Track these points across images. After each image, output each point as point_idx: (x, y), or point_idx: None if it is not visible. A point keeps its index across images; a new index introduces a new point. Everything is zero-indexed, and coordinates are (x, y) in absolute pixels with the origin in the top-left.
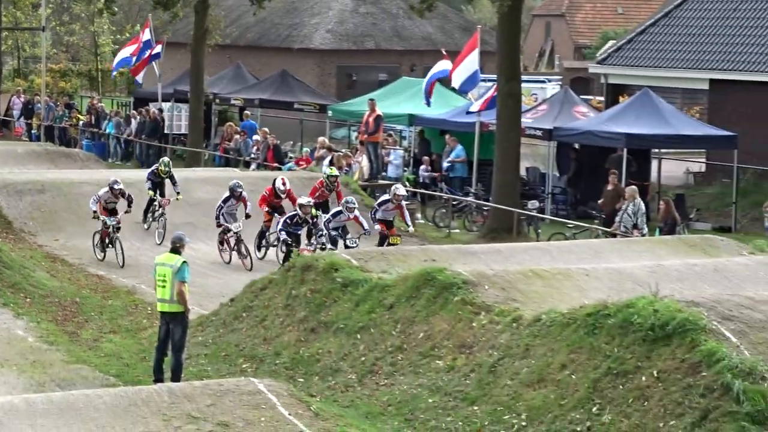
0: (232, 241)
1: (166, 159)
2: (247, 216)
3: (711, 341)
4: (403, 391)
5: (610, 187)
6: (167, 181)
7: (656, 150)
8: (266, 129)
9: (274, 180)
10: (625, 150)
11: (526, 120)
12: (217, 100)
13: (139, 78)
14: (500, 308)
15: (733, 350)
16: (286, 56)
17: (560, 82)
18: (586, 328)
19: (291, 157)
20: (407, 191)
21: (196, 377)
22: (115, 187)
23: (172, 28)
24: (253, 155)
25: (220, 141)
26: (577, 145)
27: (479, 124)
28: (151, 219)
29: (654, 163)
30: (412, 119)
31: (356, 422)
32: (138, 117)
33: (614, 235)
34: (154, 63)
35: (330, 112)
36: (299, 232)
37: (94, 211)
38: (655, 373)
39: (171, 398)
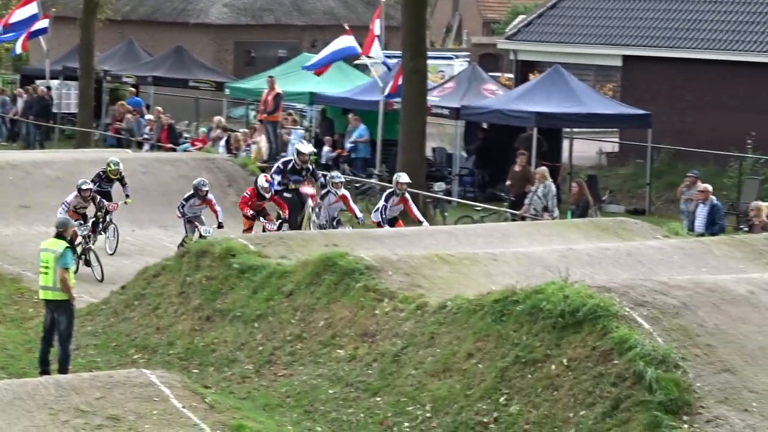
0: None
1: (114, 158)
2: (220, 225)
3: (623, 328)
4: (303, 382)
5: (518, 169)
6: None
7: (568, 129)
8: (160, 108)
9: (256, 179)
10: (535, 129)
11: (432, 98)
12: (109, 78)
13: (18, 48)
14: (404, 295)
15: (645, 337)
16: (180, 32)
17: (468, 59)
18: (494, 315)
19: (186, 138)
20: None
21: (84, 369)
22: (84, 187)
23: (60, 1)
24: (146, 135)
25: (112, 120)
26: (485, 125)
27: (383, 103)
28: (100, 231)
29: (565, 143)
30: (312, 97)
31: (253, 415)
32: (25, 95)
33: (523, 218)
34: (41, 38)
35: (227, 90)
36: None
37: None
38: (564, 361)
39: (58, 391)
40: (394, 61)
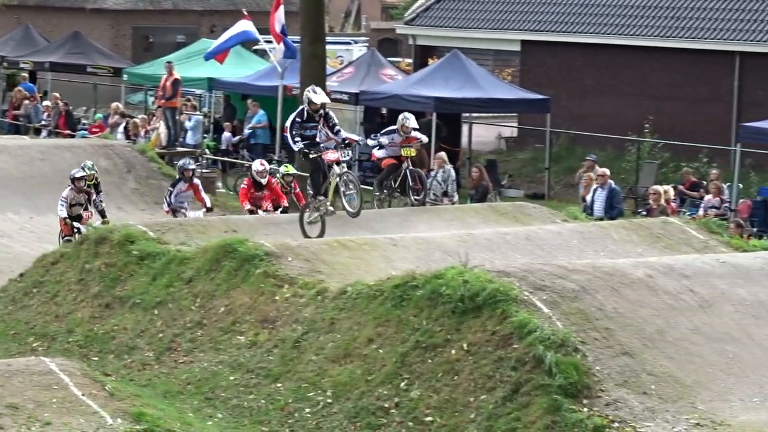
0: None
1: (89, 162)
2: (209, 210)
3: (522, 312)
4: (203, 369)
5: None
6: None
7: (467, 114)
8: (57, 94)
9: (249, 167)
10: (434, 115)
11: (332, 83)
12: (5, 64)
13: None
14: (304, 281)
15: (545, 321)
16: (78, 17)
17: (367, 44)
18: (394, 300)
19: (84, 124)
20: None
21: None
22: (78, 176)
23: None
24: (44, 121)
25: (9, 107)
26: (384, 110)
27: (282, 88)
28: None
29: (465, 128)
30: (211, 83)
31: (154, 402)
32: None
33: (423, 203)
34: None
35: (125, 76)
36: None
37: (65, 219)
38: (464, 346)
39: None
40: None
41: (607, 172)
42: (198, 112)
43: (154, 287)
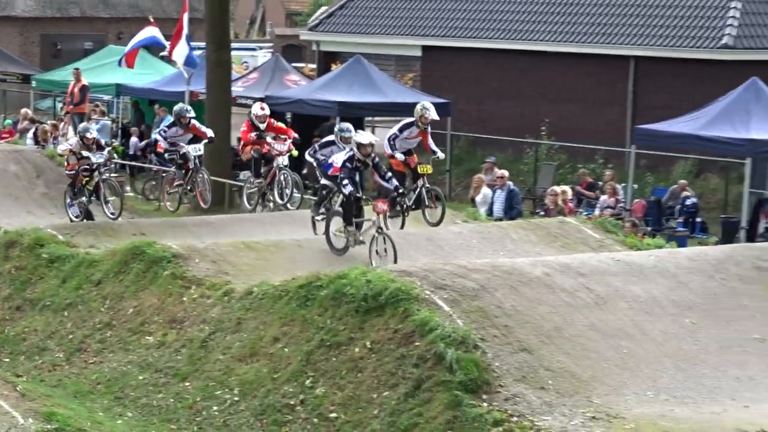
0: (188, 177)
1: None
2: (210, 140)
3: (424, 311)
4: (113, 369)
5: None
6: None
7: (369, 118)
8: None
9: (250, 110)
10: (337, 118)
11: (237, 88)
12: None
13: None
14: (211, 282)
15: (445, 319)
16: None
17: (272, 50)
18: (299, 300)
19: None
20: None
21: None
22: (88, 135)
23: None
24: None
25: None
26: (289, 114)
27: (189, 93)
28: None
29: (368, 131)
30: (119, 89)
31: (64, 402)
32: None
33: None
34: None
35: (34, 83)
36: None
37: (60, 154)
38: (368, 344)
39: None
40: (199, 52)
41: (506, 173)
42: (106, 118)
43: (64, 289)
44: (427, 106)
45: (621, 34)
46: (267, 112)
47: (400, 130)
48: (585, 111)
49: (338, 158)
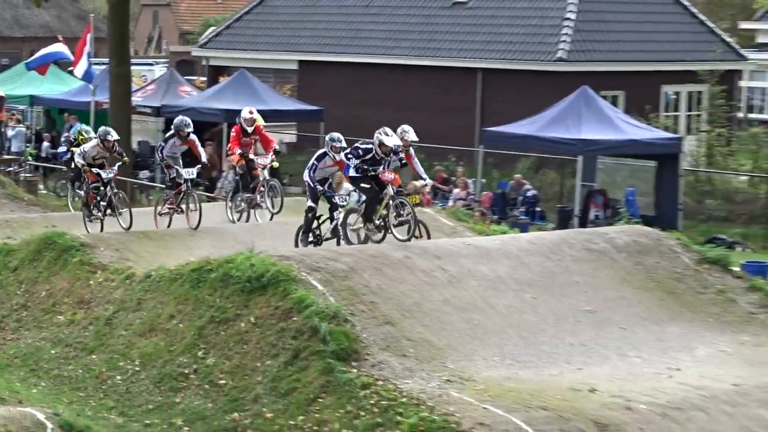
0: (180, 199)
1: (86, 126)
2: (203, 166)
3: (301, 290)
4: (28, 344)
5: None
6: None
7: None
8: None
9: (239, 115)
10: (225, 124)
11: (137, 99)
12: None
13: None
14: (115, 267)
15: (319, 297)
16: None
17: (167, 65)
18: (191, 282)
19: None
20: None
21: None
22: (109, 138)
23: None
24: None
25: None
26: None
27: (94, 103)
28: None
29: None
30: (32, 99)
31: None
32: None
33: (215, 200)
34: None
35: None
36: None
37: (84, 166)
38: (252, 319)
39: None
40: (103, 67)
41: None
42: (21, 125)
43: None
44: (406, 129)
45: (470, 49)
46: (255, 116)
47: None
48: (440, 116)
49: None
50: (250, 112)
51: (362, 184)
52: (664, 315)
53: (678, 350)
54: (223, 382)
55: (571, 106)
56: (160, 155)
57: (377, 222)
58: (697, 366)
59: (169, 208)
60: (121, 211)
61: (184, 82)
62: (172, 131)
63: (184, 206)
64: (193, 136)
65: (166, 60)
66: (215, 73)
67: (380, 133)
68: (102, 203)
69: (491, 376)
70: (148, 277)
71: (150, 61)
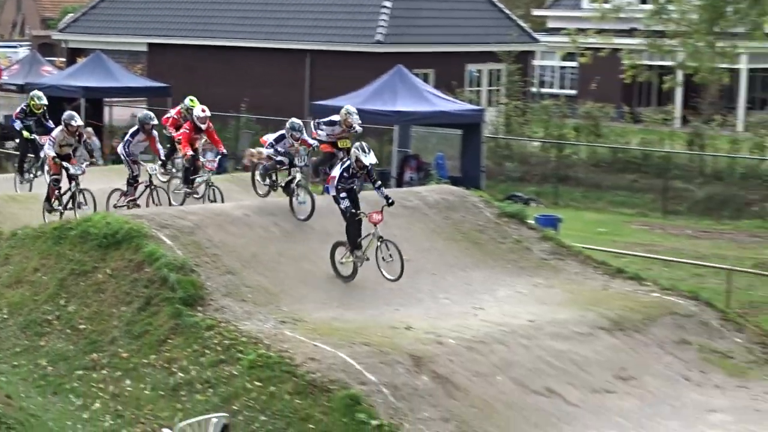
0: (143, 189)
1: (38, 92)
2: (164, 163)
3: (151, 245)
4: None
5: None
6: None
7: (108, 99)
8: None
9: (191, 109)
10: (83, 100)
11: (3, 78)
12: None
13: None
14: None
15: (168, 251)
16: None
17: (30, 47)
18: (54, 239)
19: None
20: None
21: None
22: (73, 123)
23: None
24: None
25: None
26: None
27: None
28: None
29: (106, 110)
30: None
31: None
32: None
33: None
34: None
35: None
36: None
37: (53, 158)
38: (108, 271)
39: None
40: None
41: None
42: None
43: None
44: (350, 111)
45: (300, 33)
46: (208, 114)
47: (326, 125)
48: (275, 92)
49: (335, 170)
50: (203, 111)
51: (341, 205)
52: (469, 262)
53: (482, 292)
54: (83, 326)
55: (388, 83)
56: (124, 151)
57: (364, 250)
58: (498, 305)
59: (130, 201)
60: (83, 208)
61: (46, 62)
62: (136, 126)
63: (148, 200)
64: (155, 133)
65: (29, 43)
66: (73, 54)
67: (358, 149)
68: (64, 197)
69: (320, 317)
70: (14, 235)
71: (14, 44)
